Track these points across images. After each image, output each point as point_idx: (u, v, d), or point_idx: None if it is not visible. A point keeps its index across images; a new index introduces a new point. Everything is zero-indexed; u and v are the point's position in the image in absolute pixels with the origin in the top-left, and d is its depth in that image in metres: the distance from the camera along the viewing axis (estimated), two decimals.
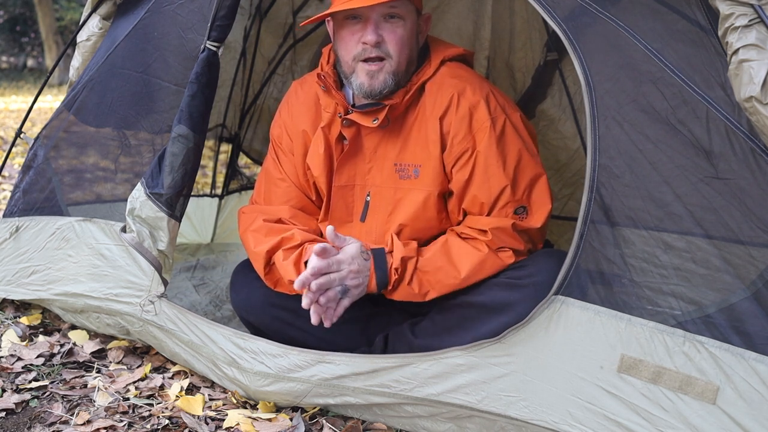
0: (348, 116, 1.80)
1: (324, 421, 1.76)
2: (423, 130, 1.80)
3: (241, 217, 1.99)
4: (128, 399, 1.88)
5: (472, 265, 1.71)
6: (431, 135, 1.79)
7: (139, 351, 2.18)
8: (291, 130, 1.97)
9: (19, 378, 1.98)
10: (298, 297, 1.87)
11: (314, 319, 1.67)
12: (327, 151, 1.89)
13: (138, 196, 1.99)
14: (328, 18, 1.83)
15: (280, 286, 1.86)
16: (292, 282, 1.71)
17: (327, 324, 1.69)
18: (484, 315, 1.72)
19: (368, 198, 1.88)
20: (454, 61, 1.85)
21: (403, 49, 1.75)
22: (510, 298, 1.69)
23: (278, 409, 1.83)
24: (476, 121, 1.76)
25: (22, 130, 2.52)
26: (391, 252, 1.74)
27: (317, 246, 1.66)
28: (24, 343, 2.18)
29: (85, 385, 1.96)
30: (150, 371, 2.04)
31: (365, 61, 1.74)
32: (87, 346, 2.17)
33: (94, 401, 1.87)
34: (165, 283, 2.00)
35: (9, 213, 2.37)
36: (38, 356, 2.10)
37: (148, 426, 1.76)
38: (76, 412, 1.82)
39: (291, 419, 1.77)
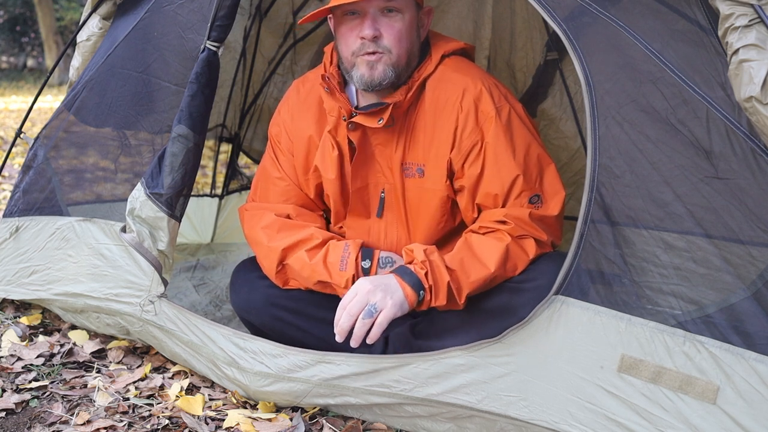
0: (353, 119, 1.80)
1: (324, 421, 1.76)
2: (426, 127, 1.80)
3: (245, 215, 1.98)
4: (128, 399, 1.88)
5: (498, 257, 1.67)
6: (437, 133, 1.79)
7: (139, 351, 2.18)
8: (291, 131, 1.96)
9: (19, 378, 1.98)
10: (299, 297, 1.88)
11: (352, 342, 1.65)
12: (338, 155, 1.88)
13: (138, 196, 1.99)
14: (329, 15, 1.83)
15: (291, 283, 1.86)
16: (321, 282, 1.79)
17: (369, 341, 1.65)
18: (486, 318, 1.72)
19: (383, 194, 1.88)
20: (455, 56, 1.86)
21: (402, 43, 1.74)
22: (512, 302, 1.69)
23: (278, 409, 1.83)
24: (482, 113, 1.76)
25: (22, 130, 2.52)
26: (410, 262, 1.69)
27: None
28: (24, 343, 2.18)
29: (85, 385, 1.96)
30: (150, 371, 2.04)
31: (364, 54, 1.74)
32: (87, 346, 2.17)
33: (94, 401, 1.87)
34: (165, 283, 2.00)
35: (9, 213, 2.37)
36: (38, 356, 2.10)
37: (148, 426, 1.76)
38: (76, 412, 1.82)
39: (291, 419, 1.77)
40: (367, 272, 1.78)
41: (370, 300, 1.63)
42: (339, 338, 1.66)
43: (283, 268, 1.85)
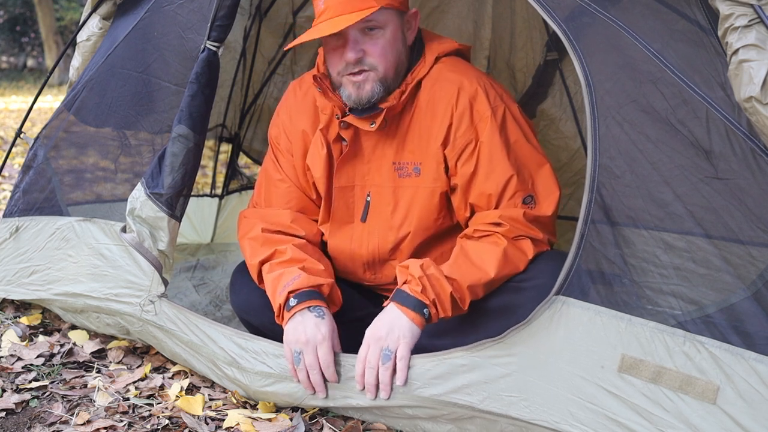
0: (345, 119, 1.80)
1: (324, 421, 1.76)
2: (422, 127, 1.80)
3: (242, 221, 1.99)
4: (128, 399, 1.88)
5: (497, 261, 1.67)
6: (433, 132, 1.79)
7: (139, 351, 2.18)
8: (289, 131, 1.97)
9: (19, 378, 1.98)
10: None
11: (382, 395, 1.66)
12: (327, 153, 1.89)
13: (138, 196, 1.99)
14: None
15: None
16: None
17: (399, 382, 1.64)
18: (487, 318, 1.72)
19: (368, 198, 1.88)
20: (450, 56, 1.86)
21: (387, 57, 1.74)
22: (512, 301, 1.69)
23: (278, 409, 1.83)
24: (477, 112, 1.76)
25: (22, 130, 2.52)
26: (405, 282, 1.68)
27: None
28: (24, 343, 2.18)
29: (85, 385, 1.96)
30: (150, 371, 2.04)
31: (350, 74, 1.74)
32: (87, 346, 2.17)
33: (94, 401, 1.87)
34: (165, 283, 2.00)
35: (9, 213, 2.37)
36: (38, 356, 2.10)
37: (148, 426, 1.76)
38: (76, 412, 1.82)
39: (291, 419, 1.77)
40: (289, 309, 1.73)
41: (382, 346, 1.64)
42: (371, 396, 1.66)
43: (264, 280, 1.87)
